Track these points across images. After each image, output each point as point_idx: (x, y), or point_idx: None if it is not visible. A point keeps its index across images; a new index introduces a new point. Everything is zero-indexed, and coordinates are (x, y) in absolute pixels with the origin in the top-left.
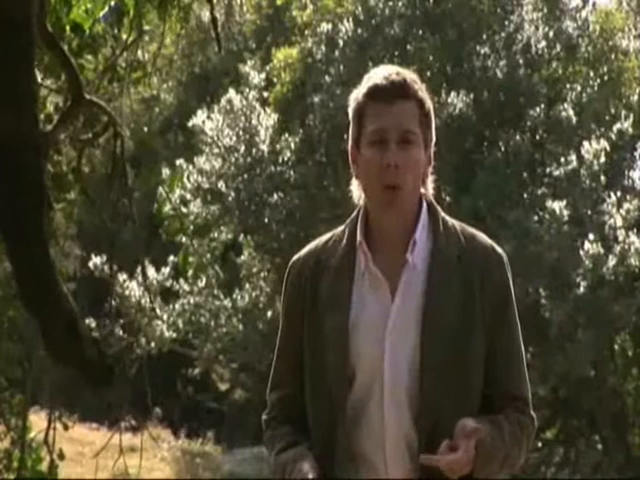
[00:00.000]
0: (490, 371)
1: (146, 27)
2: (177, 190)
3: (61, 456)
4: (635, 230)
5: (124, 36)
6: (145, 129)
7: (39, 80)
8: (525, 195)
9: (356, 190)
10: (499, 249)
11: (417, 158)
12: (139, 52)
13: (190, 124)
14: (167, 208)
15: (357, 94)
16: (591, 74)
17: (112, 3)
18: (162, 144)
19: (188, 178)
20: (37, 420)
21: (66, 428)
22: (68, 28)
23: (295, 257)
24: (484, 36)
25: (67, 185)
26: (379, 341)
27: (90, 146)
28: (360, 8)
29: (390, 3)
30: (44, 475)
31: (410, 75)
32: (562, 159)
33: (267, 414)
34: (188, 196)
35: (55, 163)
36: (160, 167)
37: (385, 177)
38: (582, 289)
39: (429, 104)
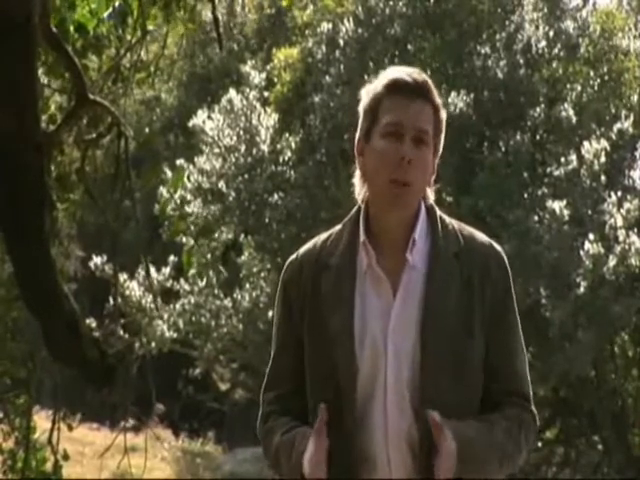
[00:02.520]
0: (490, 367)
1: (150, 27)
2: (178, 190)
3: (65, 457)
4: (636, 230)
5: (128, 36)
6: (147, 129)
7: (43, 80)
8: (525, 195)
9: (358, 184)
10: (497, 246)
11: (428, 159)
12: (143, 53)
13: (190, 124)
14: (170, 208)
15: (374, 87)
16: (591, 74)
17: (116, 4)
18: (163, 144)
19: (189, 178)
20: (39, 420)
21: (70, 428)
22: (72, 28)
23: (293, 256)
24: (484, 36)
25: (71, 185)
26: (382, 339)
27: (94, 146)
28: (360, 8)
29: (390, 3)
30: (48, 475)
31: (429, 80)
32: (562, 159)
33: (264, 409)
34: (189, 196)
35: (59, 163)
36: (161, 167)
37: (395, 170)
38: (582, 289)
39: (443, 113)
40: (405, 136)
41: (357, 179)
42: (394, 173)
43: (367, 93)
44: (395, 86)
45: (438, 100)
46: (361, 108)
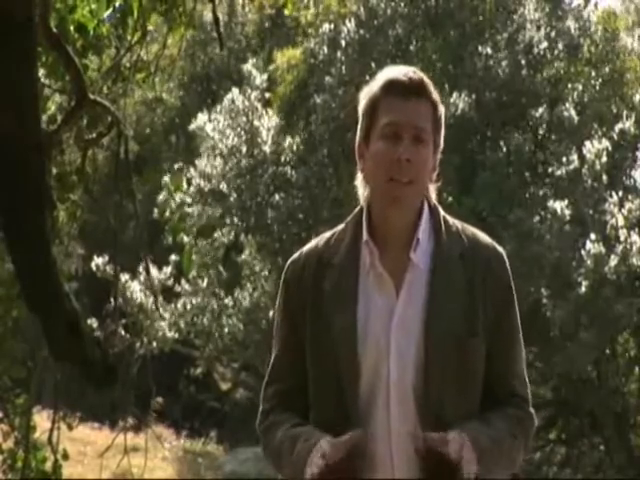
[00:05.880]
0: (491, 369)
1: (150, 27)
2: (178, 194)
3: (65, 456)
4: (637, 230)
5: (128, 37)
6: (148, 130)
7: (43, 80)
8: (527, 195)
9: (360, 186)
10: (499, 248)
11: (427, 157)
12: (143, 53)
13: (191, 127)
14: (169, 211)
15: (371, 88)
16: (593, 74)
17: (116, 4)
18: (164, 145)
19: (189, 182)
20: (39, 420)
21: (70, 428)
22: (72, 28)
23: (296, 255)
24: (486, 36)
25: (71, 185)
26: (385, 339)
27: (94, 146)
28: (362, 8)
29: (392, 3)
30: (48, 475)
31: (426, 77)
32: (564, 159)
33: (264, 405)
34: (188, 199)
35: (59, 163)
36: (163, 168)
37: (394, 170)
38: (584, 289)
39: (441, 109)
40: (403, 136)
41: (359, 181)
42: (392, 173)
43: (365, 96)
44: (391, 86)
45: (436, 96)
46: (360, 111)
